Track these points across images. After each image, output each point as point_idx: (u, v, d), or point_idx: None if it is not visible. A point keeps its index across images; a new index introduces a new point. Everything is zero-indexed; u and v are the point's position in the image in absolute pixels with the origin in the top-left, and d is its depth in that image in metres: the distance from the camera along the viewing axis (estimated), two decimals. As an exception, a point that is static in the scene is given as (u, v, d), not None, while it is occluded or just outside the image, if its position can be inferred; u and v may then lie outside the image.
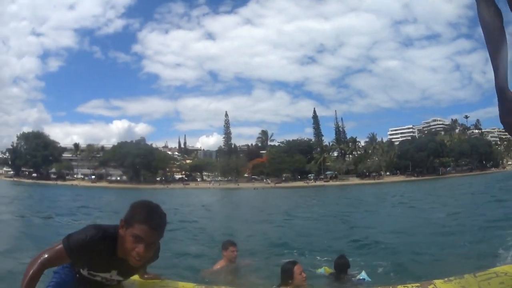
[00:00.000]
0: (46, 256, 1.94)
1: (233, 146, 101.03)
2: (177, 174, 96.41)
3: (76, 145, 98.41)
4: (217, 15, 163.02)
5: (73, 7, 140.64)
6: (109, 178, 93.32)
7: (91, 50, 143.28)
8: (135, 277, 2.44)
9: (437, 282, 2.27)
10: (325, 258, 7.07)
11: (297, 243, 9.33)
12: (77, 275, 2.17)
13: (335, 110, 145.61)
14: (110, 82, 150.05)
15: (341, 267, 5.21)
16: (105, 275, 2.14)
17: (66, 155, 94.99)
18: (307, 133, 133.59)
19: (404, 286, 2.21)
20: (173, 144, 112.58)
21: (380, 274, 6.11)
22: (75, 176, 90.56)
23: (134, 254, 1.91)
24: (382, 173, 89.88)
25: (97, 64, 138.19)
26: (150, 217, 1.91)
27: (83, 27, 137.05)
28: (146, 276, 2.57)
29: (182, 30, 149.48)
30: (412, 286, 2.22)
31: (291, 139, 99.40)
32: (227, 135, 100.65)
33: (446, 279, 2.27)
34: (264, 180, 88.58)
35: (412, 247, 8.30)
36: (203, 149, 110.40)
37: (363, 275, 5.48)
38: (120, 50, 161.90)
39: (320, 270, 5.82)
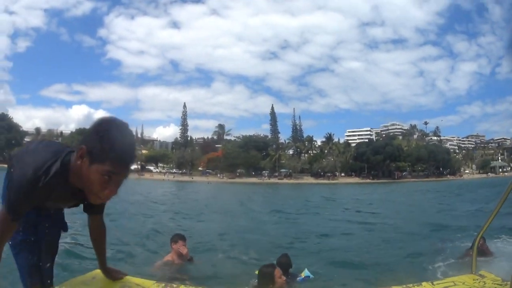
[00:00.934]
0: None
1: (189, 138, 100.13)
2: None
3: (38, 130, 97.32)
4: (185, 3, 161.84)
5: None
6: None
7: (58, 32, 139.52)
8: (98, 273, 2.26)
9: None
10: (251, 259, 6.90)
11: (237, 241, 8.89)
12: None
13: (294, 108, 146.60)
14: (74, 66, 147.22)
15: (284, 266, 5.01)
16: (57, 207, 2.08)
17: (27, 139, 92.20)
18: (264, 129, 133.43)
19: None
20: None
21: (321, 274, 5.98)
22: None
23: (103, 195, 1.62)
24: (337, 173, 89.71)
25: (63, 47, 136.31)
26: (129, 149, 1.60)
27: (52, 7, 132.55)
28: (110, 273, 2.26)
29: (148, 16, 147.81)
30: None
31: (247, 134, 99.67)
32: (184, 127, 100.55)
33: (404, 286, 2.30)
34: (218, 175, 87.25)
35: (338, 252, 8.20)
36: (160, 140, 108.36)
37: (306, 272, 5.47)
38: (86, 34, 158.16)
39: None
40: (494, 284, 2.30)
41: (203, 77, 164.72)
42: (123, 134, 1.59)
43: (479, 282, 2.34)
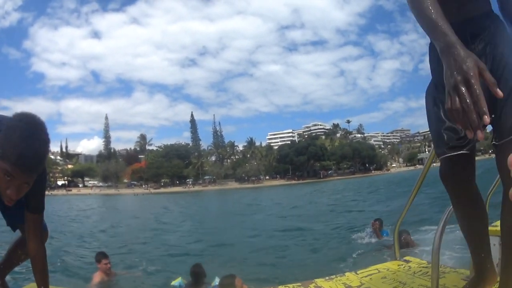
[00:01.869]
0: None
1: (112, 150, 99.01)
2: (60, 179, 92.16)
3: None
4: (106, 12, 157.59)
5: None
6: None
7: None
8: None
9: (318, 280, 2.28)
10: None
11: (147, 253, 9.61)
12: None
13: (214, 114, 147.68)
14: (1, 80, 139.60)
15: (197, 276, 5.22)
16: None
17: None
18: (185, 137, 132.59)
19: (285, 286, 2.17)
20: (55, 148, 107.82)
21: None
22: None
23: (6, 195, 1.49)
24: (262, 177, 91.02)
25: None
26: (25, 156, 1.42)
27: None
28: None
29: (71, 27, 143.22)
30: (294, 286, 2.19)
31: (169, 143, 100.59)
32: (107, 139, 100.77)
33: (327, 277, 2.30)
34: (143, 186, 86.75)
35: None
36: (84, 154, 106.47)
37: (216, 281, 5.35)
38: (13, 46, 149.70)
39: (177, 282, 5.71)
40: (420, 267, 2.30)
41: (123, 87, 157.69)
42: (30, 135, 1.44)
43: (404, 267, 2.34)
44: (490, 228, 2.03)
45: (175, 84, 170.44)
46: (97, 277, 5.98)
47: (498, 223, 2.00)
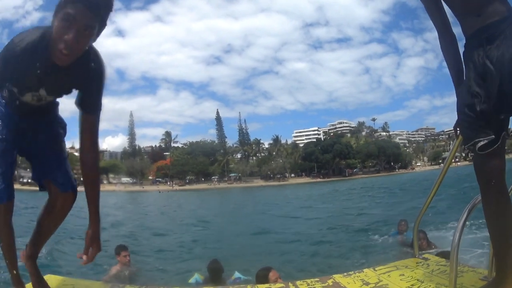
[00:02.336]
0: None
1: (137, 147, 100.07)
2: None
3: None
4: (129, 11, 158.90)
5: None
6: (21, 180, 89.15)
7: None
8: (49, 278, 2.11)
9: (336, 276, 2.30)
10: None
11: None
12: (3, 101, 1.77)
13: (239, 112, 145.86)
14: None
15: (215, 271, 5.22)
16: (33, 94, 1.71)
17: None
18: (211, 135, 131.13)
19: (303, 281, 2.20)
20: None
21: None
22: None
23: (61, 45, 1.49)
24: (287, 175, 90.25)
25: None
26: None
27: (4, 18, 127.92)
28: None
29: None
30: (312, 281, 2.22)
31: (194, 140, 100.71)
32: (132, 136, 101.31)
33: (345, 273, 2.31)
34: (168, 183, 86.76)
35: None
36: (109, 150, 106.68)
37: (237, 274, 5.59)
38: None
39: (194, 278, 5.66)
40: (438, 265, 2.29)
41: (148, 84, 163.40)
42: None
43: (422, 265, 2.33)
44: None
45: (201, 81, 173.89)
46: (114, 269, 5.95)
47: None
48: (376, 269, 2.35)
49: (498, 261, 1.68)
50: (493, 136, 1.54)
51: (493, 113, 1.52)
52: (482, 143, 1.55)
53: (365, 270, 2.32)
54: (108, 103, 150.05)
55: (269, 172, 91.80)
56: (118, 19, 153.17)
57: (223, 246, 9.86)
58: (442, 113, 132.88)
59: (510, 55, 1.44)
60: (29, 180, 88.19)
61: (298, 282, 2.18)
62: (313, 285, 2.16)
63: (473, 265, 2.49)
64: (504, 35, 1.47)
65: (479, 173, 1.62)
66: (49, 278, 2.10)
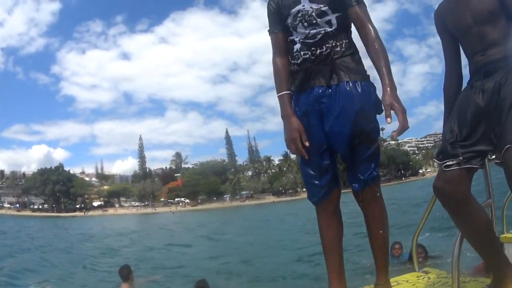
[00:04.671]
0: None
1: (148, 170, 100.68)
2: (96, 200, 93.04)
3: (1, 172, 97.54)
4: (134, 34, 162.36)
5: (2, 24, 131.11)
6: (32, 206, 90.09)
7: (14, 71, 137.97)
8: None
9: None
10: None
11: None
12: None
13: (247, 130, 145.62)
14: (31, 105, 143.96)
15: None
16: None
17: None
18: (221, 154, 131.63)
19: None
20: (90, 170, 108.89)
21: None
22: (2, 205, 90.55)
23: None
24: (299, 189, 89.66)
25: (20, 86, 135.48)
26: None
27: (9, 45, 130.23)
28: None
29: (99, 50, 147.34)
30: None
31: (204, 160, 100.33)
32: (142, 159, 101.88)
33: None
34: (181, 203, 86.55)
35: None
36: (120, 174, 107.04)
37: None
38: (41, 71, 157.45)
39: None
40: (439, 278, 2.28)
41: (156, 107, 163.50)
42: None
43: (423, 278, 2.31)
44: (507, 235, 2.35)
45: (208, 101, 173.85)
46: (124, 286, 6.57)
47: None
48: (376, 285, 2.28)
49: (491, 266, 1.77)
50: (461, 158, 1.61)
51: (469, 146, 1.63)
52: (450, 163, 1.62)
53: (366, 287, 2.24)
54: (117, 127, 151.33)
55: (280, 188, 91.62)
56: (123, 42, 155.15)
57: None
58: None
59: (507, 87, 1.56)
60: (40, 206, 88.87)
61: None
62: None
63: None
64: (501, 71, 1.61)
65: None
66: None
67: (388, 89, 1.64)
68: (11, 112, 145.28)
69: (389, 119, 1.58)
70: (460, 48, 1.83)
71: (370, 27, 1.73)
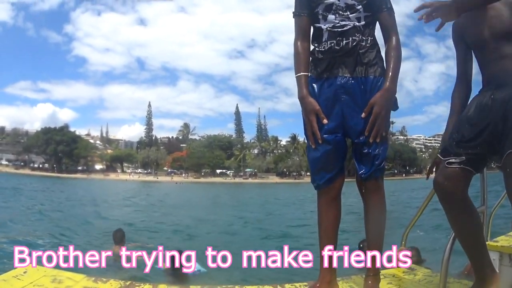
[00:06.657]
0: None
1: (154, 138, 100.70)
2: (98, 164, 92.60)
3: (2, 129, 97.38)
4: (154, 0, 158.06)
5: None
6: (31, 165, 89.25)
7: (24, 27, 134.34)
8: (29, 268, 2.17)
9: None
10: None
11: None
12: None
13: (259, 107, 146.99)
14: (40, 62, 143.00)
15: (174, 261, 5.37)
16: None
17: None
18: (229, 129, 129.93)
19: (291, 285, 2.17)
20: (96, 133, 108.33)
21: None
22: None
23: None
24: (303, 173, 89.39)
25: (29, 43, 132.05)
26: None
27: (20, 0, 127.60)
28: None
29: (115, 13, 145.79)
30: (300, 285, 2.18)
31: (212, 134, 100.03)
32: (149, 126, 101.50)
33: (339, 278, 2.24)
34: (183, 175, 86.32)
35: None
36: (125, 140, 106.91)
37: (197, 266, 5.70)
38: (53, 29, 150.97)
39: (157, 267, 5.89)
40: (424, 276, 2.34)
41: (168, 75, 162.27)
42: None
43: (409, 274, 2.39)
44: (490, 243, 2.44)
45: (222, 75, 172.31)
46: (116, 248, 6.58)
47: (499, 238, 2.66)
48: (364, 276, 2.28)
49: (475, 266, 1.82)
50: (464, 158, 1.67)
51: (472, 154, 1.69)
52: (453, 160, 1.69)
53: (353, 277, 2.30)
54: (126, 92, 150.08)
55: (285, 170, 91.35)
56: (141, 8, 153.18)
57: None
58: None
59: None
60: (40, 165, 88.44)
61: (286, 285, 2.17)
62: None
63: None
64: None
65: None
66: (30, 269, 2.11)
67: (383, 91, 1.75)
68: (18, 68, 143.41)
69: (363, 114, 1.73)
70: (473, 58, 1.90)
71: (394, 37, 1.83)
